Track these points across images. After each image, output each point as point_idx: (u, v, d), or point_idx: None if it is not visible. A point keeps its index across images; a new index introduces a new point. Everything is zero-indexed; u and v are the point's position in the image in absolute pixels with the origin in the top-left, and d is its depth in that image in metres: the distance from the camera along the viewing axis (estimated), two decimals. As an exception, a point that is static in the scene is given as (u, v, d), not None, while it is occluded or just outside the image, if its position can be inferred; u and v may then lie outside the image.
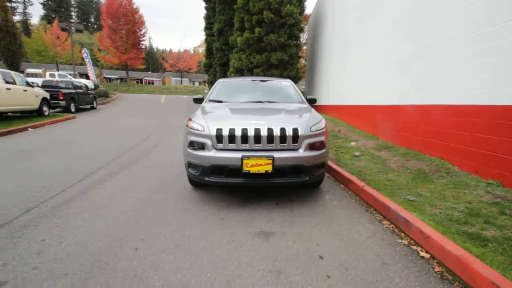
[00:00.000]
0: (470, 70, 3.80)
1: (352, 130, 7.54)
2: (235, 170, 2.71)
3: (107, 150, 5.37)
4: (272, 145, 2.72)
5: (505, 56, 3.26)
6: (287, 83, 4.48)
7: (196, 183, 3.37)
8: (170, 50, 54.95)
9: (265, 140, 2.70)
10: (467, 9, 3.85)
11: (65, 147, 5.67)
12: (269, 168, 2.64)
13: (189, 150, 2.89)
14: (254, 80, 4.55)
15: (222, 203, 3.01)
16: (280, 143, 2.73)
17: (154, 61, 55.85)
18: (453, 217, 2.56)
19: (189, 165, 2.93)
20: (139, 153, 5.17)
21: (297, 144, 2.78)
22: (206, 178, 2.80)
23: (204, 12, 20.82)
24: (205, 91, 38.01)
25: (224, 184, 2.83)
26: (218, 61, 17.39)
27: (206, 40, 20.43)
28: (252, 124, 2.74)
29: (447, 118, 4.21)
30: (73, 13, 57.34)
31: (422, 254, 2.09)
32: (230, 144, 2.72)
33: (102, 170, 4.15)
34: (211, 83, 20.16)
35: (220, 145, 2.74)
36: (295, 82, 14.49)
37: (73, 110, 12.26)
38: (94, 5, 61.07)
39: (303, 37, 18.52)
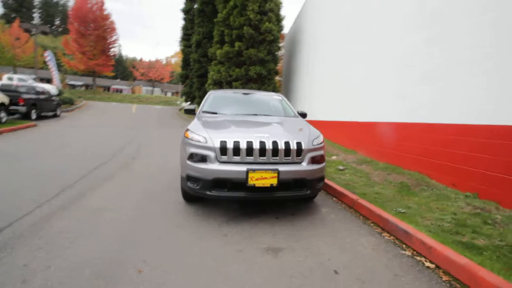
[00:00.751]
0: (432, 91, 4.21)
1: (332, 145, 7.83)
2: (239, 184, 2.64)
3: (82, 162, 4.95)
4: (277, 158, 2.72)
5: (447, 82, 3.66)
6: (278, 97, 4.56)
7: (190, 198, 3.22)
8: (141, 58, 53.47)
9: (270, 153, 2.69)
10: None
11: (33, 158, 5.12)
12: (274, 181, 2.62)
13: (188, 162, 2.76)
14: (246, 94, 4.57)
15: (221, 218, 2.90)
16: (285, 156, 2.74)
17: (123, 69, 53.71)
18: (444, 227, 2.73)
19: (188, 178, 2.79)
20: (118, 165, 4.82)
21: (300, 157, 2.81)
22: (208, 192, 2.69)
23: (181, 22, 20.73)
24: (178, 102, 37.23)
25: (227, 198, 2.74)
26: (195, 72, 17.24)
27: (183, 51, 20.23)
28: (256, 137, 2.72)
29: (424, 135, 4.56)
30: (36, 14, 53.55)
31: (427, 264, 2.18)
32: (234, 157, 2.66)
33: (80, 183, 3.80)
34: (186, 94, 19.85)
35: (224, 158, 2.67)
36: (273, 97, 14.83)
37: (33, 117, 11.21)
38: (60, 8, 57.68)
39: (280, 54, 19.22)
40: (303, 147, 2.80)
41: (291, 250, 2.33)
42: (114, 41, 29.66)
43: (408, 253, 2.36)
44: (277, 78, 14.55)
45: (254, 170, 2.58)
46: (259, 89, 13.85)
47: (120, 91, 44.36)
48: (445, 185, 4.04)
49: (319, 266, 2.10)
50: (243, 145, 2.65)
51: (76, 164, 4.73)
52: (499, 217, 2.92)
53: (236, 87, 13.29)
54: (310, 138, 2.94)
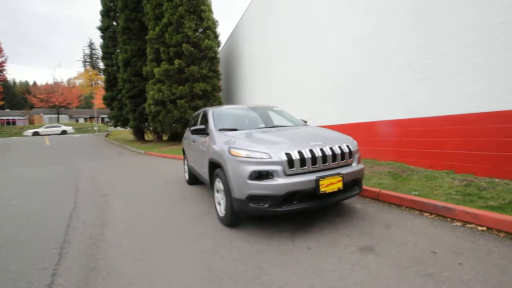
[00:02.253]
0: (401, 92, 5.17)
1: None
2: (308, 194, 2.64)
3: (38, 226, 3.89)
4: (336, 163, 2.85)
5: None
6: (278, 108, 4.70)
7: (231, 223, 2.99)
8: (35, 82, 45.04)
9: (331, 159, 2.80)
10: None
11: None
12: (340, 185, 2.73)
13: (251, 182, 2.59)
14: (247, 108, 4.53)
15: (283, 235, 2.80)
16: (341, 160, 2.89)
17: (12, 96, 43.91)
18: (457, 199, 3.35)
19: (252, 198, 2.62)
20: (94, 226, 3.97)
21: (351, 159, 3.01)
22: (279, 209, 2.59)
23: (99, 41, 18.56)
24: (95, 127, 32.75)
25: (297, 210, 2.68)
26: (126, 93, 15.67)
27: (105, 70, 18.07)
28: (312, 145, 2.79)
29: (396, 129, 5.45)
30: None
31: (480, 228, 2.66)
32: (301, 168, 2.66)
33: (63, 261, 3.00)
34: (115, 117, 17.73)
35: (292, 170, 2.63)
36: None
37: None
38: None
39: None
40: (352, 149, 3.02)
41: (380, 245, 2.47)
42: (2, 64, 24.23)
43: (459, 224, 2.82)
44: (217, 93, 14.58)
45: (324, 177, 2.64)
46: (205, 105, 13.62)
47: (13, 122, 35.99)
48: (424, 168, 4.91)
49: (419, 251, 2.32)
50: (307, 155, 2.68)
51: (30, 232, 3.31)
52: (484, 184, 3.77)
53: (182, 105, 12.77)
54: (349, 140, 3.18)
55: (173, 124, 13.54)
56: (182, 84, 13.32)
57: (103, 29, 17.70)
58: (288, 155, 2.63)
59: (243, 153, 2.72)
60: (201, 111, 4.80)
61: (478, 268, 2.01)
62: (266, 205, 2.57)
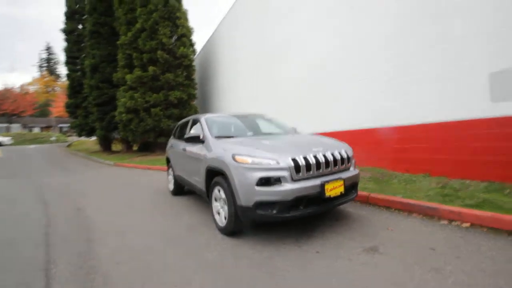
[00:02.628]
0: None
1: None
2: (313, 198, 2.71)
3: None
4: (337, 167, 2.96)
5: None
6: (268, 116, 4.77)
7: (233, 231, 2.95)
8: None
9: (333, 164, 2.91)
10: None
11: None
12: (342, 189, 2.84)
13: (259, 188, 2.59)
14: (238, 116, 4.52)
15: (287, 241, 2.82)
16: (341, 165, 3.02)
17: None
18: (437, 199, 3.67)
19: (259, 205, 2.61)
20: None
21: (349, 164, 3.16)
22: (287, 215, 2.62)
23: (62, 44, 17.35)
24: (53, 138, 30.14)
25: (303, 215, 2.72)
26: (93, 100, 14.76)
27: (69, 76, 16.82)
28: (315, 151, 2.88)
29: (373, 138, 5.82)
30: None
31: (464, 225, 2.93)
32: (307, 173, 2.72)
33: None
34: (79, 126, 16.51)
35: (298, 175, 2.68)
36: (194, 121, 14.53)
37: None
38: None
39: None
40: (349, 154, 3.17)
41: (383, 245, 2.60)
42: None
43: (445, 222, 3.08)
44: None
45: (328, 182, 2.73)
46: (180, 114, 13.32)
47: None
48: (401, 172, 5.29)
49: (416, 248, 2.48)
50: (312, 160, 2.76)
51: (6, 255, 2.96)
52: (456, 185, 4.17)
53: (156, 114, 12.35)
54: (346, 146, 3.34)
55: (146, 133, 13.00)
56: (157, 91, 12.92)
57: (67, 32, 16.61)
58: (294, 160, 2.69)
59: (249, 159, 2.71)
60: (189, 118, 4.70)
61: (474, 260, 2.22)
62: (274, 211, 2.58)
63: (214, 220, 3.23)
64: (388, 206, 3.74)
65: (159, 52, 12.29)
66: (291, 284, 2.07)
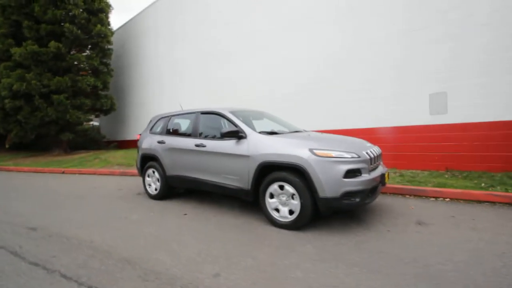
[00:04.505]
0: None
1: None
2: (376, 187, 2.97)
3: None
4: (379, 162, 3.32)
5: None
6: (270, 114, 4.65)
7: (305, 224, 2.88)
8: None
9: (379, 158, 3.26)
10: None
11: None
12: (387, 179, 3.23)
13: (346, 180, 2.65)
14: (253, 112, 4.13)
15: (345, 230, 2.95)
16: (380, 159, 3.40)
17: None
18: (409, 184, 4.64)
19: (346, 195, 2.67)
20: None
21: None
22: (366, 201, 2.77)
23: None
24: None
25: (370, 202, 2.95)
26: None
27: None
28: (368, 147, 3.14)
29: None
30: None
31: (447, 200, 3.83)
32: (372, 165, 2.96)
33: None
34: None
35: (371, 167, 2.88)
36: (107, 115, 12.23)
37: None
38: None
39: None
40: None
41: (422, 218, 3.12)
42: None
43: (433, 199, 3.94)
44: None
45: (385, 172, 3.07)
46: (93, 105, 10.98)
47: None
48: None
49: (445, 218, 3.09)
50: (372, 154, 3.02)
51: None
52: (410, 173, 5.35)
53: (61, 102, 9.71)
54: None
55: (44, 127, 10.01)
56: (60, 74, 10.18)
57: None
58: (368, 154, 2.88)
59: (333, 153, 2.74)
60: (193, 110, 4.04)
61: (490, 222, 3.00)
62: (358, 200, 2.69)
63: (271, 217, 3.01)
64: (398, 193, 4.36)
65: (67, 25, 9.75)
66: (393, 252, 2.26)
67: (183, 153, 3.85)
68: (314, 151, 2.75)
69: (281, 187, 2.91)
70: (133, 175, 6.75)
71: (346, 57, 6.29)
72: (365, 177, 2.74)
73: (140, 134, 4.78)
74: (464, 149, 4.98)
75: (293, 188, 2.82)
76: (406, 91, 5.56)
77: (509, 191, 3.62)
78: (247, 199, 3.22)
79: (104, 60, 11.44)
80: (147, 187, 4.41)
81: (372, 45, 5.91)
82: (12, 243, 2.76)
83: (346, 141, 3.25)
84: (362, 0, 6.05)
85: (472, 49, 4.82)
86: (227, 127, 3.54)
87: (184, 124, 4.16)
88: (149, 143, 4.39)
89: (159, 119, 4.52)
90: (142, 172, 4.50)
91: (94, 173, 7.42)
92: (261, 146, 3.09)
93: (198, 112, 3.95)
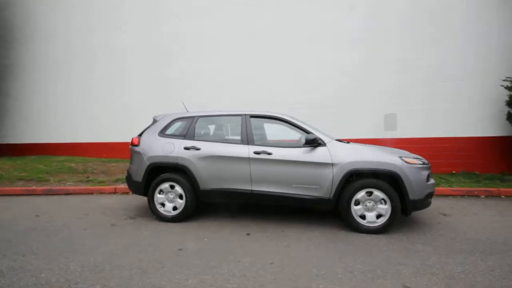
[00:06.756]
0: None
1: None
2: None
3: None
4: None
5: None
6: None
7: (387, 228, 3.08)
8: None
9: None
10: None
11: None
12: None
13: (428, 183, 3.12)
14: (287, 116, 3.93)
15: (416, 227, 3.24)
16: None
17: None
18: None
19: (428, 196, 3.11)
20: None
21: None
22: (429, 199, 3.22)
23: None
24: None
25: None
26: None
27: None
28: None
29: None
30: None
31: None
32: None
33: None
34: None
35: None
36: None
37: None
38: None
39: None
40: None
41: (441, 210, 3.82)
42: None
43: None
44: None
45: None
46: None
47: None
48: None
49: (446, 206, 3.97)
50: None
51: None
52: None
53: None
54: None
55: None
56: None
57: None
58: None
59: (417, 161, 3.12)
60: (243, 113, 3.51)
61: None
62: (430, 199, 3.19)
63: (356, 223, 3.03)
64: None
65: None
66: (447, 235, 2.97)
67: (234, 162, 3.28)
68: (405, 159, 3.04)
69: (369, 193, 2.98)
70: (76, 193, 4.98)
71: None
72: (433, 180, 3.23)
73: (137, 137, 3.68)
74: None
75: (383, 193, 2.98)
76: (363, 111, 6.68)
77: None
78: (325, 209, 3.16)
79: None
80: (158, 207, 3.42)
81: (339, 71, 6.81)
82: None
83: (400, 151, 3.65)
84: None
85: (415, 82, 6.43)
86: (291, 133, 3.37)
87: (224, 128, 3.58)
88: (166, 149, 3.45)
89: (175, 120, 3.67)
90: (149, 189, 3.46)
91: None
92: (346, 153, 3.14)
93: (244, 114, 3.49)
